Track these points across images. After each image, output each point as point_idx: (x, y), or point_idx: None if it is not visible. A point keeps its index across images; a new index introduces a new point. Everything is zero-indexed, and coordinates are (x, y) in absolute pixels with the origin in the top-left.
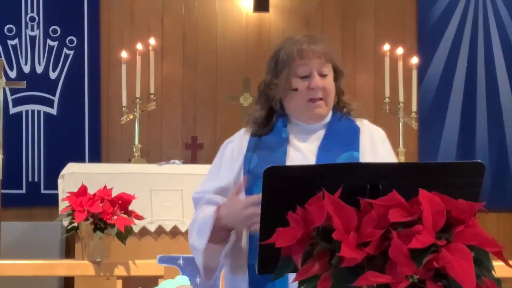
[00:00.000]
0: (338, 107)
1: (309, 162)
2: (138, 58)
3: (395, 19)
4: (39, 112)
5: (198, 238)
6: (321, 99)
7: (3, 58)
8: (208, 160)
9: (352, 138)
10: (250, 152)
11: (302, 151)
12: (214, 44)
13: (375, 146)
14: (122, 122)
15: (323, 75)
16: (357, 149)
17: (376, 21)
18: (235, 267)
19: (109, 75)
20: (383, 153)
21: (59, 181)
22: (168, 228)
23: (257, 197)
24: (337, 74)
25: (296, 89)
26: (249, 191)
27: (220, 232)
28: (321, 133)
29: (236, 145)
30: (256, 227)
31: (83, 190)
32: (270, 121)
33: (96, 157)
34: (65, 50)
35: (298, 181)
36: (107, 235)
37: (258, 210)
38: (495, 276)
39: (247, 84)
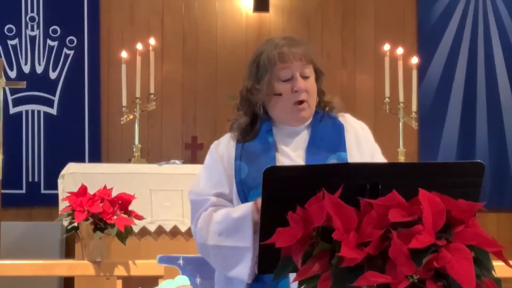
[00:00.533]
0: (320, 106)
1: None
2: (138, 58)
3: (395, 19)
4: (39, 112)
5: (237, 237)
6: (304, 101)
7: (3, 58)
8: None
9: (338, 138)
10: (238, 160)
11: (291, 156)
12: (214, 44)
13: (360, 142)
14: (122, 122)
15: (305, 77)
16: (344, 149)
17: (376, 21)
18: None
19: (109, 75)
20: (368, 149)
21: (59, 181)
22: (168, 228)
23: None
24: (318, 75)
25: (280, 94)
26: (244, 201)
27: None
28: (305, 135)
29: (224, 152)
30: None
31: (83, 190)
32: (254, 127)
33: (96, 157)
34: (65, 50)
35: (298, 181)
36: (107, 235)
37: None
38: (495, 276)
39: None
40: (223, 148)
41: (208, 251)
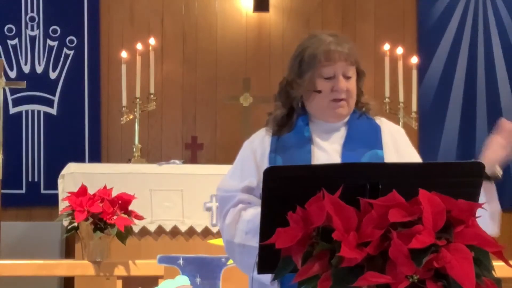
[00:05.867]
0: (357, 107)
1: (335, 161)
2: (138, 58)
3: (395, 19)
4: (39, 112)
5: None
6: (343, 99)
7: (3, 58)
8: (208, 160)
9: (375, 136)
10: (273, 153)
11: (327, 150)
12: (214, 44)
13: (397, 144)
14: (122, 122)
15: (347, 77)
16: (381, 147)
17: (376, 21)
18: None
19: (109, 75)
20: (405, 150)
21: (59, 181)
22: (168, 228)
23: None
24: (359, 75)
25: (319, 91)
26: None
27: None
28: (342, 132)
29: (258, 146)
30: None
31: (83, 190)
32: (290, 119)
33: (96, 157)
34: (65, 50)
35: (298, 181)
36: (107, 235)
37: None
38: (495, 276)
39: (247, 84)
40: (257, 142)
41: (234, 249)
